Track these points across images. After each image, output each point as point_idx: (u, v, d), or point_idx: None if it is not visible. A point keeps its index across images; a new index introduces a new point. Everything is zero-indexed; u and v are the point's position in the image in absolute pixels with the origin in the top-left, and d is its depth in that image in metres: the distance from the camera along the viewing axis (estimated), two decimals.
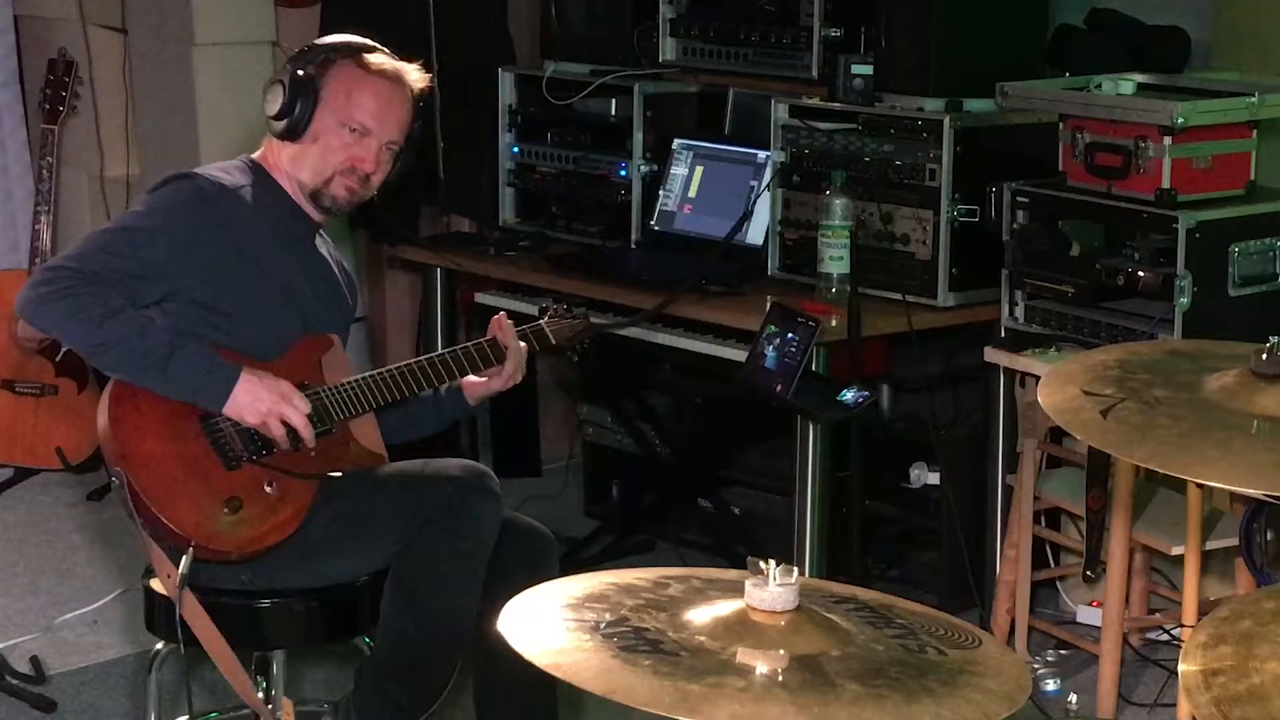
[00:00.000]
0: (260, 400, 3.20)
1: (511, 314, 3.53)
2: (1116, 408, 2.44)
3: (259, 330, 3.29)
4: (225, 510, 3.17)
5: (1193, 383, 2.52)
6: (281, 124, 3.34)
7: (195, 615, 3.16)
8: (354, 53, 3.38)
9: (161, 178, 3.35)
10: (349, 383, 3.33)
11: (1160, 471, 2.39)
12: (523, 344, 3.48)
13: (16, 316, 3.41)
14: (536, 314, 3.70)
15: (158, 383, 3.17)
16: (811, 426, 4.15)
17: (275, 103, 3.34)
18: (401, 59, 3.45)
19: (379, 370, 3.36)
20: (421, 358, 3.41)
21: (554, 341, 3.60)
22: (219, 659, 3.18)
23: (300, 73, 3.34)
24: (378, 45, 3.43)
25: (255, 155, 3.42)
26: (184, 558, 3.13)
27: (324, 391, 3.29)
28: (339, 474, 3.28)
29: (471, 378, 3.48)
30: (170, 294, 3.23)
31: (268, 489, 3.22)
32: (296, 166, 3.36)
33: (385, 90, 3.37)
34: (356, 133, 3.35)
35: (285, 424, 3.21)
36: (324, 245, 3.49)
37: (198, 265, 3.23)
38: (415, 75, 3.42)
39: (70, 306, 3.14)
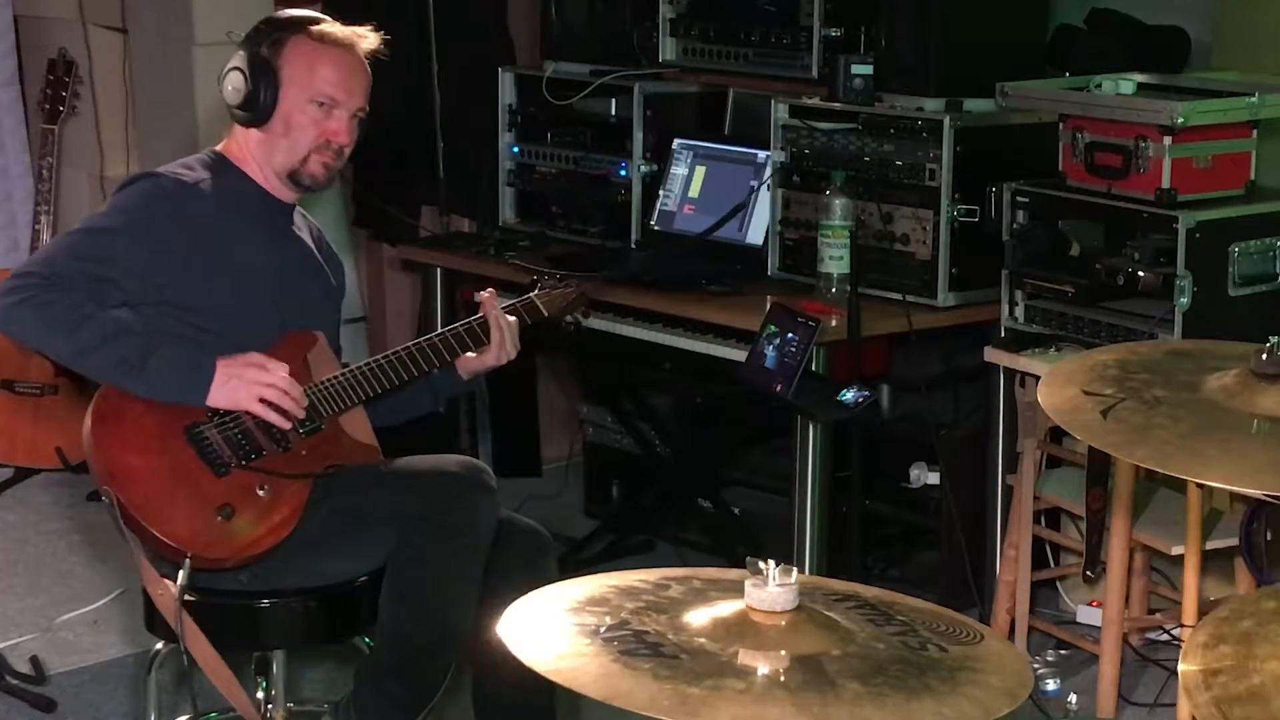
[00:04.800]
0: (240, 378, 3.17)
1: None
2: (1116, 408, 2.44)
3: (237, 324, 3.27)
4: (218, 518, 3.15)
5: (1193, 383, 2.52)
6: (247, 112, 3.31)
7: (192, 636, 3.14)
8: (304, 25, 3.34)
9: (124, 179, 3.35)
10: (336, 378, 3.31)
11: (1160, 472, 2.38)
12: (513, 319, 3.47)
13: None
14: (527, 286, 3.67)
15: (138, 384, 3.15)
16: (811, 426, 4.15)
17: (238, 91, 3.30)
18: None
19: (365, 362, 3.34)
20: (407, 344, 3.39)
21: (545, 313, 3.58)
22: (216, 677, 3.17)
23: (256, 55, 3.29)
24: (321, 15, 3.39)
25: (218, 147, 3.38)
26: (180, 571, 3.12)
27: (311, 389, 3.27)
28: (331, 471, 3.27)
29: (467, 354, 3.46)
30: (139, 294, 3.21)
31: (260, 493, 3.20)
32: (269, 151, 3.33)
33: (345, 58, 3.33)
34: (325, 107, 3.31)
35: (272, 403, 3.19)
36: (303, 225, 3.47)
37: (162, 263, 3.21)
38: (369, 38, 3.38)
39: (42, 315, 3.12)
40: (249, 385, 3.18)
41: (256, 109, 3.30)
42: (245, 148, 3.35)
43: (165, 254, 3.22)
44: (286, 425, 3.21)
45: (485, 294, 3.48)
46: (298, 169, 3.34)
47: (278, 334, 3.32)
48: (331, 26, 3.35)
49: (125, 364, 3.14)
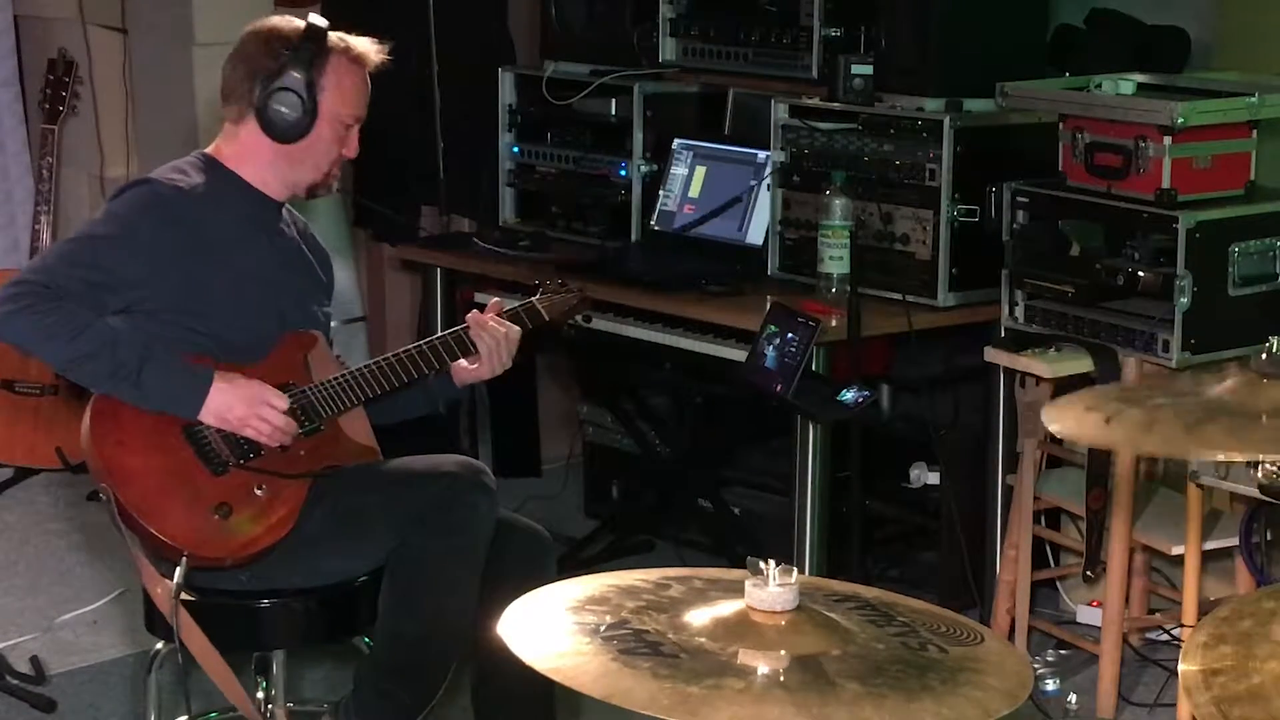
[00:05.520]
0: (235, 406, 3.18)
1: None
2: (1119, 415, 2.43)
3: (237, 328, 3.27)
4: (215, 517, 3.16)
5: (1195, 390, 2.50)
6: (291, 129, 3.29)
7: (189, 631, 3.15)
8: (336, 44, 3.32)
9: (119, 185, 3.35)
10: (336, 379, 3.30)
11: (1168, 458, 2.35)
12: (516, 330, 3.45)
13: None
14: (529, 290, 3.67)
15: (132, 395, 3.15)
16: (811, 426, 4.15)
17: (290, 110, 3.27)
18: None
19: (365, 364, 3.34)
20: (408, 347, 3.38)
21: (547, 318, 3.57)
22: (214, 674, 3.17)
23: (303, 76, 3.28)
24: (322, 21, 3.36)
25: (209, 150, 3.37)
26: (178, 569, 3.12)
27: (311, 390, 3.28)
28: (329, 472, 3.27)
29: (461, 362, 3.46)
30: (138, 301, 3.21)
31: (258, 492, 3.21)
32: (293, 165, 3.32)
33: (364, 78, 3.36)
34: (351, 126, 3.34)
35: (268, 423, 3.20)
36: (290, 222, 3.46)
37: (161, 269, 3.21)
38: (377, 54, 3.38)
39: (40, 323, 3.12)
40: (244, 418, 3.19)
41: (300, 128, 3.29)
42: (243, 152, 3.33)
43: (163, 261, 3.21)
44: (272, 443, 3.21)
45: (478, 316, 3.45)
46: (319, 182, 3.37)
47: (277, 335, 3.32)
48: (357, 42, 3.35)
49: (121, 372, 3.14)
